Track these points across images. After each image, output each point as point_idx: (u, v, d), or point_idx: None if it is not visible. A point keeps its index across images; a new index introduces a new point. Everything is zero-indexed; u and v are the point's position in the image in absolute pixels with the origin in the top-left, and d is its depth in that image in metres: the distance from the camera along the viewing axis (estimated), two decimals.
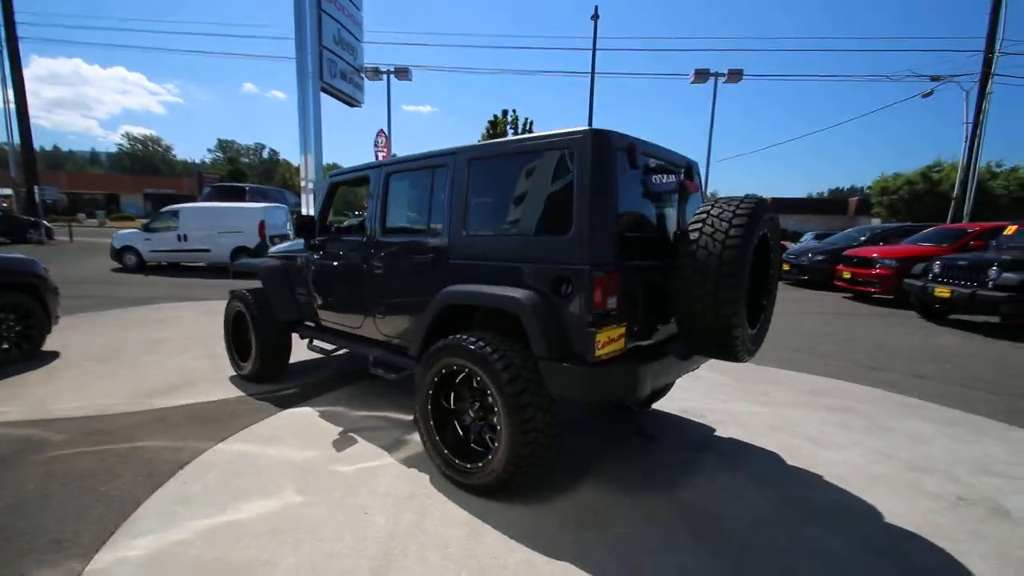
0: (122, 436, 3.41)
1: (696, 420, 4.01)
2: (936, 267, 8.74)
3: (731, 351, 2.57)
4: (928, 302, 8.87)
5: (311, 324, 4.45)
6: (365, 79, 19.35)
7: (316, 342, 4.29)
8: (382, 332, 3.55)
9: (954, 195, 20.06)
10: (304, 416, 3.88)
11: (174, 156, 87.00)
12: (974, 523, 2.66)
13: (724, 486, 2.97)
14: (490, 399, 2.68)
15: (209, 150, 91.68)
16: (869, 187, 39.67)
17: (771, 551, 2.37)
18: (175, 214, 12.94)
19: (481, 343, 2.63)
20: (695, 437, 3.71)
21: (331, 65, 16.63)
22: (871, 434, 3.87)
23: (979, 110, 19.06)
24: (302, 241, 4.79)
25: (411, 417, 3.89)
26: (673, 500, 2.79)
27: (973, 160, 19.33)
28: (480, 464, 2.69)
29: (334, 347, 4.26)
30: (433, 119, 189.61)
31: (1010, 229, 9.08)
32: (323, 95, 16.23)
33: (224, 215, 12.86)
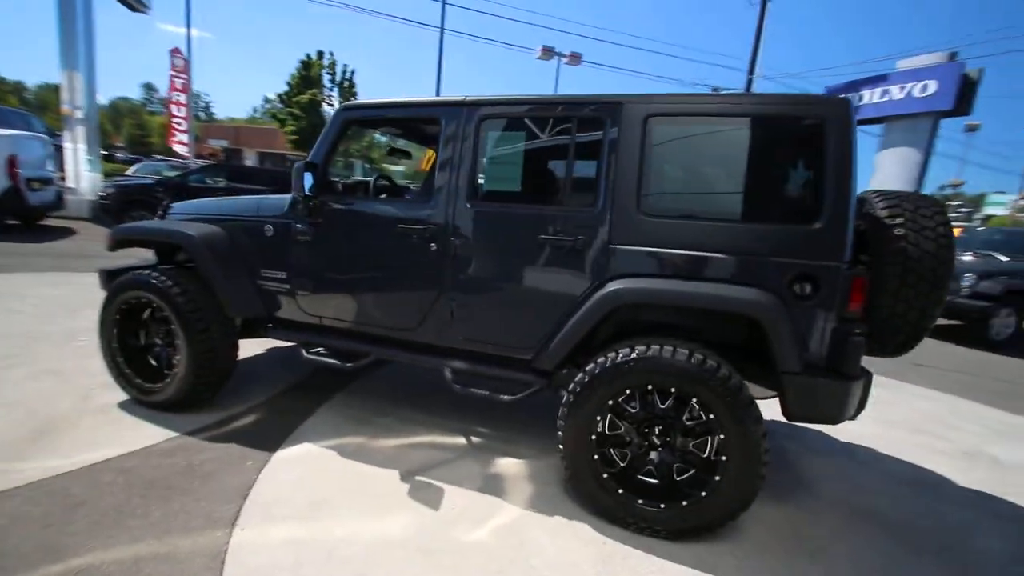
0: (27, 550, 1.83)
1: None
2: None
3: (906, 350, 2.54)
4: None
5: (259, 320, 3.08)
6: None
7: (306, 349, 2.97)
8: (465, 336, 2.60)
9: None
10: (318, 460, 2.68)
11: None
12: None
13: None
14: (688, 424, 2.17)
15: None
16: None
17: None
18: None
19: (701, 357, 2.08)
20: (816, 443, 3.48)
21: None
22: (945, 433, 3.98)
23: None
24: (239, 198, 3.32)
25: (463, 440, 3.03)
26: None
27: None
28: (685, 503, 2.17)
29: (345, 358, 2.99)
30: (204, 48, 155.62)
31: None
32: None
33: None
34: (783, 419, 2.25)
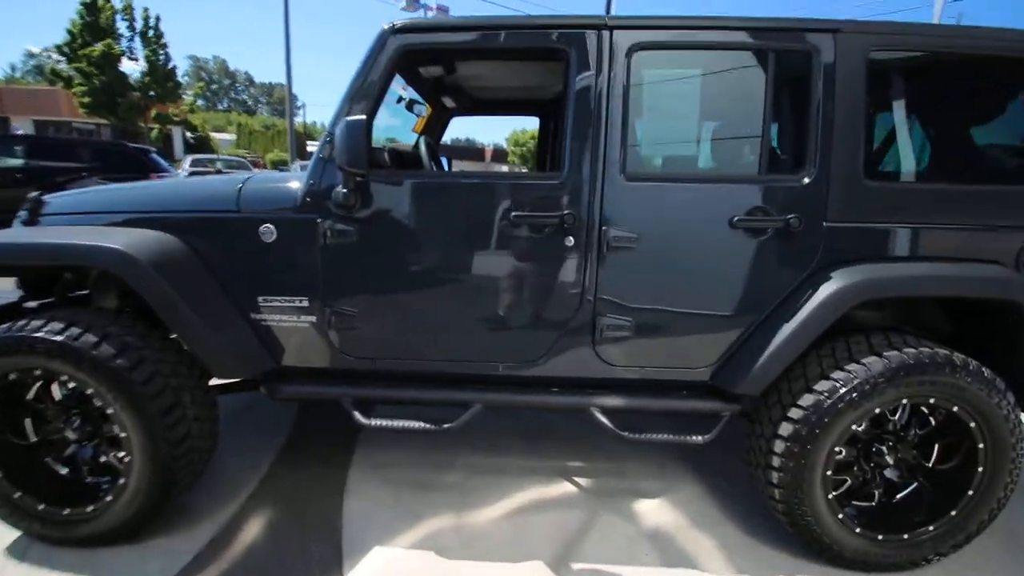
0: None
1: None
2: None
3: None
4: None
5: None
6: None
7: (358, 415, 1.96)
8: (620, 360, 1.87)
9: None
10: (420, 569, 1.79)
11: None
12: None
13: None
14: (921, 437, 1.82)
15: None
16: (506, 139, 47.50)
17: None
18: None
19: (964, 359, 1.69)
20: None
21: None
22: None
23: None
24: (183, 182, 2.14)
25: (569, 485, 2.34)
26: None
27: None
28: (932, 528, 1.80)
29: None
30: None
31: None
32: None
33: None
34: None
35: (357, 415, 1.90)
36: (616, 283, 1.80)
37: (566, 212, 1.74)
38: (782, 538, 1.96)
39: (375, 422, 1.89)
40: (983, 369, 1.70)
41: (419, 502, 2.16)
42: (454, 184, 1.88)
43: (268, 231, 1.82)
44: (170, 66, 25.57)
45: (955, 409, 1.72)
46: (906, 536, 1.82)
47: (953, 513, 1.80)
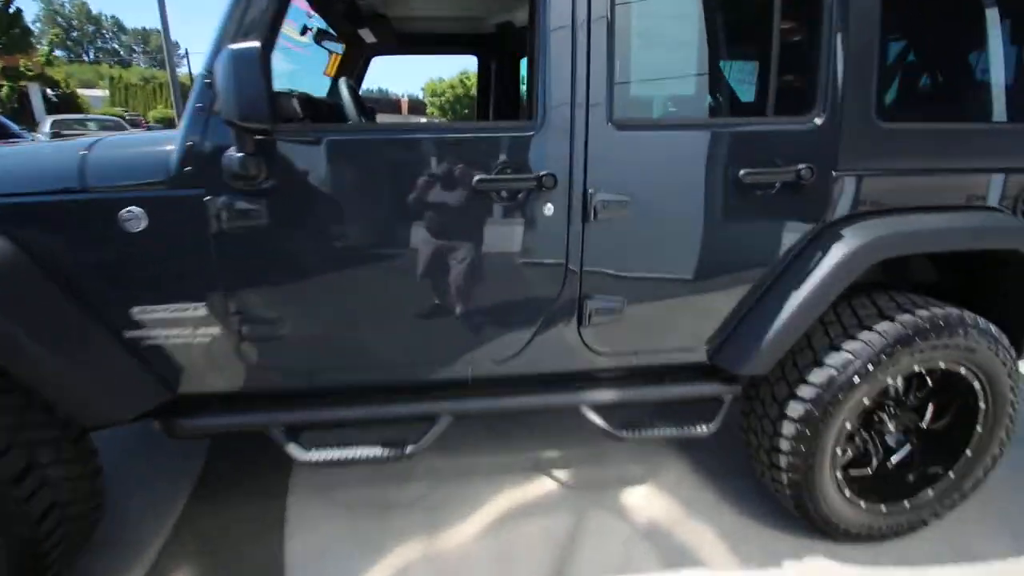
0: None
1: None
2: None
3: None
4: None
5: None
6: None
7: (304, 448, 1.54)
8: (612, 347, 1.58)
9: None
10: None
11: None
12: None
13: None
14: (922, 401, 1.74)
15: None
16: (422, 89, 45.37)
17: None
18: None
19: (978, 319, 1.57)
20: None
21: None
22: None
23: None
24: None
25: (549, 481, 2.09)
26: None
27: None
28: (931, 492, 1.73)
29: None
30: None
31: None
32: None
33: None
34: None
35: (292, 448, 1.49)
36: (605, 256, 1.49)
37: (543, 173, 1.37)
38: (780, 518, 1.83)
39: (316, 455, 1.49)
40: (990, 326, 1.59)
41: (378, 528, 1.83)
42: (395, 140, 1.43)
43: (133, 216, 1.30)
44: (13, 9, 21.46)
45: (962, 371, 1.62)
46: (907, 503, 1.74)
47: (951, 475, 1.74)
